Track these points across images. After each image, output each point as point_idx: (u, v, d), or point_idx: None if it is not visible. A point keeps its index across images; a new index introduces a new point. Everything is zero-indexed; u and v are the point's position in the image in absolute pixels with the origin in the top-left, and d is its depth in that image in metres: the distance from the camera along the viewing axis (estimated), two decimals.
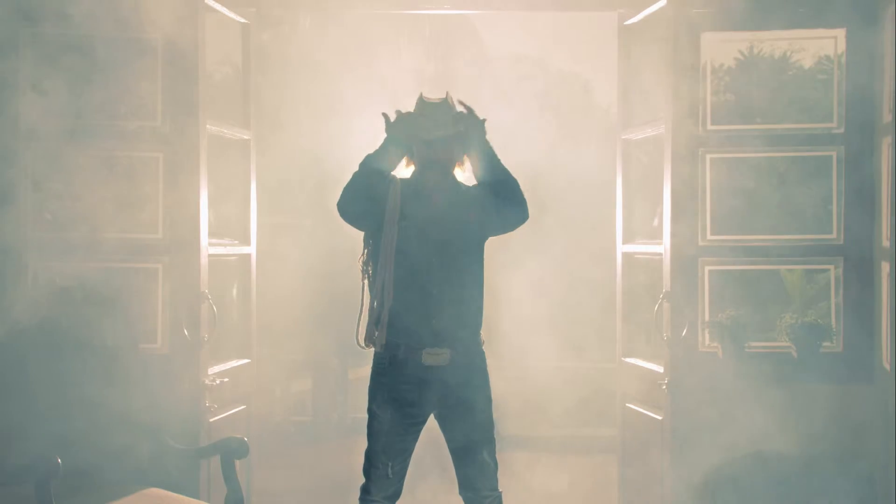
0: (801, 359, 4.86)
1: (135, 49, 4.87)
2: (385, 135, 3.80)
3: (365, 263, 3.84)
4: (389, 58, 8.27)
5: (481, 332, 3.87)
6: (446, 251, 3.74)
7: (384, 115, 3.81)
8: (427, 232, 3.71)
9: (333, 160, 6.86)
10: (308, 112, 7.23)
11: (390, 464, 3.73)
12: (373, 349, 3.81)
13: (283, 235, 6.75)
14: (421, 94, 3.83)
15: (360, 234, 3.87)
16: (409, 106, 3.83)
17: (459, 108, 3.81)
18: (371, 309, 3.76)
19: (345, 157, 6.74)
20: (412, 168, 3.88)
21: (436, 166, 3.79)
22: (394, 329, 3.70)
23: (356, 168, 3.75)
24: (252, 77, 5.47)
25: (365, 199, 3.69)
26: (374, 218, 3.73)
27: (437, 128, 3.74)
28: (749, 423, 4.79)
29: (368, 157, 3.74)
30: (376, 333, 3.73)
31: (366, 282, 3.84)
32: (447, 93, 3.84)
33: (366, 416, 3.83)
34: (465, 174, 3.87)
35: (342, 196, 3.71)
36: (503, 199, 3.73)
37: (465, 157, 3.83)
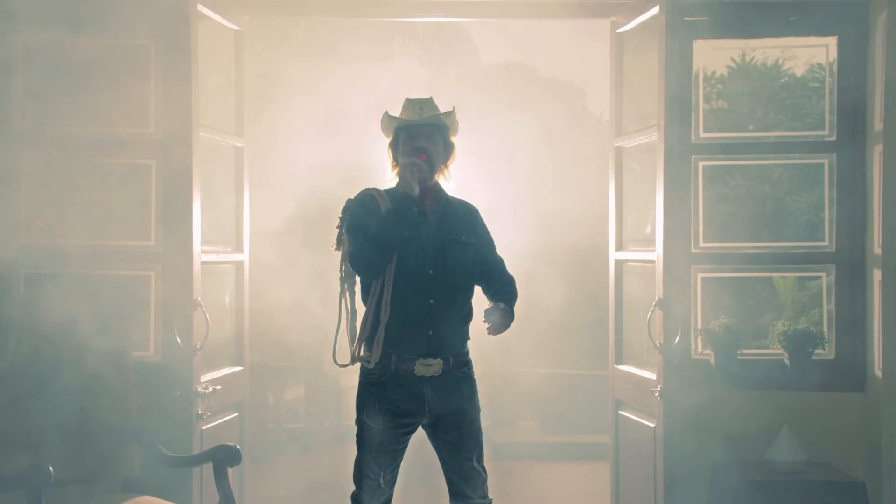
0: (793, 366, 4.87)
1: (128, 56, 4.88)
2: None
3: (345, 278, 3.79)
4: (383, 65, 8.28)
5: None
6: (442, 262, 3.73)
7: (386, 113, 3.84)
8: (422, 243, 3.70)
9: (327, 167, 6.90)
10: (301, 120, 7.22)
11: (382, 473, 3.72)
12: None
13: (275, 243, 6.73)
14: (406, 98, 3.84)
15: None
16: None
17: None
18: (363, 325, 3.72)
19: (339, 164, 6.79)
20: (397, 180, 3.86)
21: (421, 165, 3.74)
22: (388, 341, 3.68)
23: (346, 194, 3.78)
24: (245, 84, 5.47)
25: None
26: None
27: (423, 111, 3.77)
28: (741, 431, 4.81)
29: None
30: (362, 352, 3.73)
31: (346, 297, 3.81)
32: (431, 96, 3.85)
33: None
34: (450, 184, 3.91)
35: (360, 262, 3.65)
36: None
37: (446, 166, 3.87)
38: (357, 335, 3.74)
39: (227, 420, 5.19)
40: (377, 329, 3.68)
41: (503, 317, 3.75)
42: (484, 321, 3.78)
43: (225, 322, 5.36)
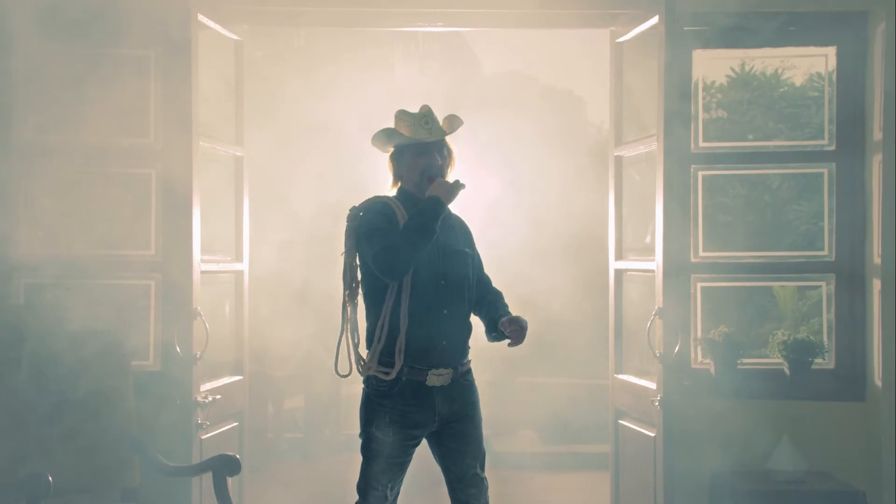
0: (793, 375, 4.87)
1: (128, 66, 4.87)
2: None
3: (350, 287, 3.76)
4: (384, 74, 8.28)
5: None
6: (452, 273, 3.73)
7: (395, 131, 3.75)
8: (434, 255, 3.67)
9: (328, 176, 6.90)
10: (301, 129, 7.22)
11: (390, 485, 3.69)
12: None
13: (276, 252, 6.73)
14: (401, 110, 3.76)
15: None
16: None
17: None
18: (377, 336, 3.66)
19: (340, 173, 6.80)
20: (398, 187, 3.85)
21: (437, 176, 3.71)
22: (405, 352, 3.64)
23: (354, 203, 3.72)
24: (245, 94, 5.45)
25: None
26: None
27: (430, 126, 3.70)
28: (742, 440, 4.82)
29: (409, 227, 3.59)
30: (374, 364, 3.67)
31: (349, 307, 3.77)
32: (430, 107, 3.76)
33: (357, 433, 3.79)
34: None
35: (394, 261, 3.54)
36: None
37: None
38: (372, 346, 3.68)
39: (227, 429, 5.15)
40: (395, 340, 3.63)
41: (523, 328, 3.69)
42: (491, 341, 3.79)
43: (224, 331, 5.34)
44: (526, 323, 3.71)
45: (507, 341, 3.73)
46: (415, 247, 3.54)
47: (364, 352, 3.74)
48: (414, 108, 3.75)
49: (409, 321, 3.62)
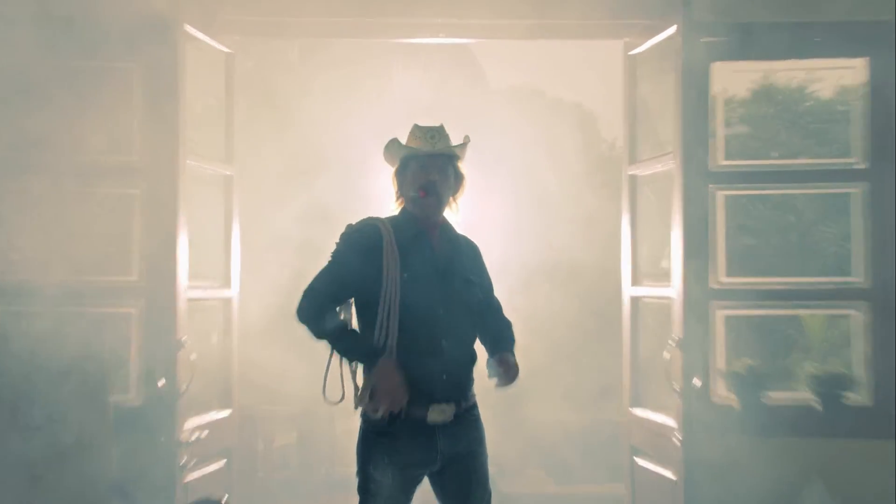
0: (825, 411, 4.70)
1: (111, 79, 4.80)
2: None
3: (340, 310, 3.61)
4: (384, 87, 8.17)
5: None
6: (453, 302, 3.55)
7: (396, 140, 3.63)
8: (432, 281, 3.51)
9: (321, 197, 6.70)
10: (295, 146, 7.08)
11: None
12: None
13: (267, 277, 6.54)
14: (416, 124, 3.65)
15: None
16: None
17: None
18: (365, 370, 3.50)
19: (334, 192, 6.60)
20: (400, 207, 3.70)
21: (431, 192, 3.55)
22: None
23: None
24: (235, 109, 5.36)
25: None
26: (366, 279, 3.49)
27: (435, 140, 3.58)
28: (768, 481, 4.60)
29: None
30: (363, 396, 3.48)
31: None
32: (442, 124, 3.67)
33: (354, 471, 3.58)
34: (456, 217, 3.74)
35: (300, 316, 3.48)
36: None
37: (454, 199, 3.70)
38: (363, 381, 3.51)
39: (214, 469, 5.05)
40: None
41: (510, 370, 3.55)
42: (489, 377, 3.60)
43: (212, 363, 5.22)
44: (514, 363, 3.56)
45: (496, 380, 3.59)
46: (315, 333, 3.46)
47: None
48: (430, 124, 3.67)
49: (406, 353, 3.43)
